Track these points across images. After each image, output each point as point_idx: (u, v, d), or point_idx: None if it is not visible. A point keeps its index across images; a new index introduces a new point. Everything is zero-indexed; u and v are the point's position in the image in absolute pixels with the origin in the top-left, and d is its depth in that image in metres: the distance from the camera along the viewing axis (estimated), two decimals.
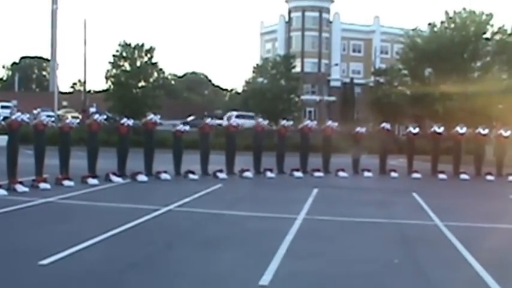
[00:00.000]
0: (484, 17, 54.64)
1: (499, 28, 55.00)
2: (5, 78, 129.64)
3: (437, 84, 53.11)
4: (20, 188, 21.19)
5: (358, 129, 32.82)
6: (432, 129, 32.89)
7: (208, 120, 29.96)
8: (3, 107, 63.98)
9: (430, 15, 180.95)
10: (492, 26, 55.05)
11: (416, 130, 33.23)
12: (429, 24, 59.62)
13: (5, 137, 23.34)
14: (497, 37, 55.00)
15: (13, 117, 23.56)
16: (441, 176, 30.49)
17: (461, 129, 32.09)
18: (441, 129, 32.69)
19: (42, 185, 22.16)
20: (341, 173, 30.20)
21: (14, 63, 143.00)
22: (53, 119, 28.07)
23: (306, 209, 18.31)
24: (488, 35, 55.06)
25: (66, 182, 23.14)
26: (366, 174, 30.65)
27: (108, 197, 20.86)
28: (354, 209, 19.22)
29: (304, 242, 13.54)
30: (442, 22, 57.12)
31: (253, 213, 17.66)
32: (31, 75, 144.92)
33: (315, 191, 23.02)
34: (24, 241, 12.98)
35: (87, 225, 15.04)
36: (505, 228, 16.31)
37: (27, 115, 24.24)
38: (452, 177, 30.50)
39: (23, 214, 17.00)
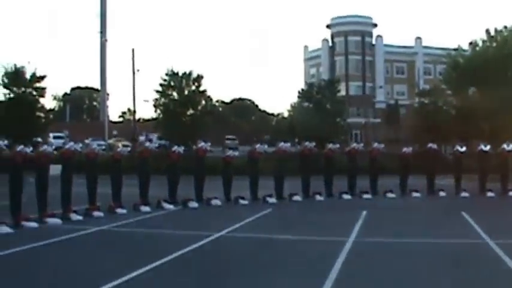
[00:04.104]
0: None
1: None
2: (56, 109, 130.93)
3: (482, 103, 52.58)
4: (74, 216, 21.32)
5: (404, 149, 32.58)
6: (479, 148, 32.46)
7: (257, 146, 29.98)
8: (55, 137, 64.43)
9: (472, 33, 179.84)
10: None
11: (464, 149, 32.87)
12: (470, 43, 59.22)
13: (59, 166, 23.49)
14: None
15: (66, 146, 23.74)
16: (489, 194, 30.08)
17: (508, 147, 31.64)
18: (488, 148, 32.28)
19: (96, 213, 22.29)
20: (389, 194, 29.95)
21: (65, 94, 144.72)
22: (104, 147, 28.11)
23: (355, 232, 18.10)
24: None
25: (118, 210, 23.24)
26: (414, 194, 30.29)
27: (160, 224, 20.87)
28: (404, 230, 18.91)
29: (355, 264, 13.34)
30: (483, 41, 56.66)
31: (304, 236, 17.50)
32: (82, 106, 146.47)
33: (364, 213, 22.77)
34: (80, 269, 12.98)
35: (141, 253, 15.05)
36: None
37: (80, 145, 24.39)
38: (500, 195, 30.00)
39: (77, 242, 17.05)
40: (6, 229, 18.31)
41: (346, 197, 29.31)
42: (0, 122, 57.63)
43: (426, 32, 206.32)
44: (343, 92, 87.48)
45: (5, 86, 62.65)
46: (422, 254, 14.88)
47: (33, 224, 19.59)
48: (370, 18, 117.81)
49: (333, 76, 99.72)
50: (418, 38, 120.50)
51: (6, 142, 20.24)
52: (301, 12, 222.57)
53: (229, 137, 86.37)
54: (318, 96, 70.17)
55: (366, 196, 29.49)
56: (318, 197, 28.89)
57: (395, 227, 19.77)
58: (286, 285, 11.57)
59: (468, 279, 12.10)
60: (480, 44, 56.90)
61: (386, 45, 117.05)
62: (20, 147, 20.97)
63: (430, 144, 33.01)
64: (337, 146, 32.59)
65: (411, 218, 22.66)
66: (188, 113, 64.26)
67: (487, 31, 55.83)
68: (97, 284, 11.08)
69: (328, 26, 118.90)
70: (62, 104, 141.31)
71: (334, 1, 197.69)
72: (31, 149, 21.76)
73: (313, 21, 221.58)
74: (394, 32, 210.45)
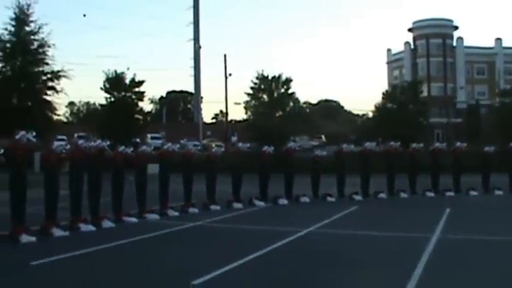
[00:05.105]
0: None
1: None
2: (154, 112, 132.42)
3: None
4: (171, 212, 21.60)
5: (486, 149, 32.04)
6: None
7: (344, 145, 29.94)
8: (153, 137, 65.30)
9: None
10: None
11: None
12: None
13: (156, 166, 23.78)
14: None
15: (165, 147, 24.03)
16: None
17: None
18: None
19: (191, 210, 22.51)
20: (472, 192, 29.45)
21: (162, 97, 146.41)
22: (199, 148, 28.35)
23: (440, 229, 17.78)
24: None
25: (212, 207, 23.43)
26: (497, 192, 29.75)
27: (252, 220, 20.95)
28: (488, 227, 18.40)
29: (441, 261, 13.03)
30: None
31: (389, 233, 17.30)
32: (177, 108, 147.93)
33: (448, 210, 22.42)
34: (177, 262, 13.11)
35: (234, 247, 15.14)
36: None
37: (177, 145, 24.64)
38: None
39: (174, 237, 17.25)
40: (108, 224, 18.65)
41: (430, 194, 29.02)
42: (103, 124, 58.77)
43: (506, 32, 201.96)
44: (425, 93, 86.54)
45: (107, 91, 63.80)
46: (508, 252, 14.51)
47: (134, 220, 19.93)
48: (451, 21, 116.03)
49: (415, 78, 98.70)
50: (498, 39, 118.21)
51: (108, 143, 20.56)
52: (384, 17, 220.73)
53: (316, 136, 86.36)
54: (401, 98, 69.60)
55: (448, 194, 29.15)
56: (402, 195, 28.69)
57: (479, 224, 19.34)
58: (371, 281, 11.42)
59: None
60: None
61: (466, 47, 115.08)
62: (121, 148, 21.33)
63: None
64: (421, 145, 32.22)
65: (495, 215, 22.21)
66: (277, 114, 64.43)
67: None
68: (192, 277, 11.12)
69: (410, 30, 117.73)
70: (158, 106, 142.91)
71: (415, 5, 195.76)
72: (131, 149, 22.11)
73: (396, 25, 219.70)
74: (474, 33, 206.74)
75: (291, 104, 68.00)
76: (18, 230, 15.66)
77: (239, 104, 73.74)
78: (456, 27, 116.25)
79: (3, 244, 14.87)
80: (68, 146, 19.24)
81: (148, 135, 65.79)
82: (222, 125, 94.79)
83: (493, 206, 25.81)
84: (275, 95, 65.57)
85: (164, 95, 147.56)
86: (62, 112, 77.81)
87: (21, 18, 53.61)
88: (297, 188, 27.17)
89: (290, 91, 66.55)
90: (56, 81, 54.66)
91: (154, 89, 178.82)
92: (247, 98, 69.02)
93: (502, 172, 31.34)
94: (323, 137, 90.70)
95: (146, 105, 77.57)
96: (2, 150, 16.13)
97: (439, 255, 13.65)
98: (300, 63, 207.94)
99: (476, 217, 21.63)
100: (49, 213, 17.19)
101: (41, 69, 54.44)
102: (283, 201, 25.85)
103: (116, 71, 64.11)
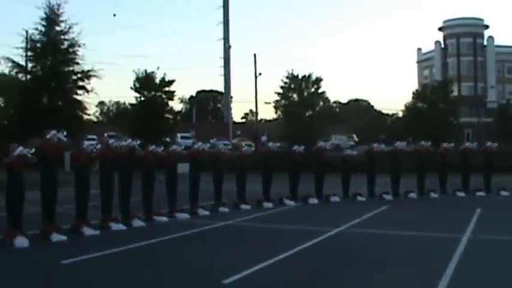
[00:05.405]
0: None
1: None
2: (183, 111, 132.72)
3: None
4: (201, 212, 21.59)
5: None
6: None
7: (374, 145, 29.85)
8: (182, 137, 65.40)
9: None
10: None
11: None
12: None
13: (186, 165, 23.78)
14: None
15: (195, 146, 24.00)
16: None
17: None
18: None
19: (221, 209, 22.50)
20: (503, 192, 29.12)
21: (192, 97, 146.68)
22: (229, 147, 28.32)
23: (470, 229, 17.59)
24: None
25: (243, 206, 23.39)
26: None
27: (282, 219, 20.85)
28: None
29: (472, 262, 12.90)
30: None
31: (420, 233, 17.12)
32: (207, 108, 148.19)
33: (478, 210, 22.20)
34: (208, 261, 13.10)
35: (264, 246, 15.08)
36: None
37: (208, 144, 24.63)
38: None
39: (205, 236, 17.20)
40: (139, 223, 18.67)
41: (460, 194, 28.77)
42: (133, 123, 59.03)
43: None
44: (455, 93, 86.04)
45: (137, 90, 64.12)
46: None
47: (164, 219, 19.94)
48: (482, 20, 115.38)
49: (445, 77, 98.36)
50: None
51: (139, 142, 20.58)
52: (414, 16, 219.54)
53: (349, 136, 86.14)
54: (431, 97, 69.26)
55: (479, 194, 28.85)
56: (433, 194, 28.46)
57: (510, 224, 19.08)
58: (401, 281, 11.31)
59: None
60: None
61: (497, 46, 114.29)
62: (151, 147, 21.35)
63: None
64: (452, 145, 31.98)
65: None
66: (307, 114, 64.36)
67: None
68: (222, 276, 11.12)
69: (440, 29, 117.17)
70: (188, 106, 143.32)
71: (446, 4, 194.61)
72: (162, 148, 22.12)
73: (426, 24, 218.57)
74: (505, 32, 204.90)
75: (321, 103, 68.02)
76: (49, 229, 15.73)
77: (269, 103, 73.89)
78: (487, 26, 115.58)
79: (35, 243, 14.93)
80: (99, 146, 19.30)
81: (178, 135, 65.85)
82: (251, 124, 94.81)
83: None
84: (305, 94, 65.53)
85: (194, 95, 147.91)
86: (92, 112, 78.41)
87: (52, 18, 53.99)
88: (327, 188, 27.05)
89: (320, 90, 66.53)
90: (86, 80, 55.06)
91: (184, 89, 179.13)
92: (277, 98, 69.12)
93: None
94: (354, 136, 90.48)
95: (176, 105, 77.86)
96: (34, 150, 16.11)
97: (470, 255, 13.50)
98: (330, 63, 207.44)
99: (507, 217, 21.32)
100: (80, 212, 17.26)
101: (71, 68, 54.84)
102: (314, 201, 25.77)
103: (146, 71, 64.48)
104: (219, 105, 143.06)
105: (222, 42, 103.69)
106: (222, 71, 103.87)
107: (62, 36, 54.35)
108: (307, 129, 59.24)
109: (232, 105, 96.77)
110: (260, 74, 77.69)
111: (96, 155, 18.72)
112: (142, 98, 64.13)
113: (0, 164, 15.67)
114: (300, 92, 65.18)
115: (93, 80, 55.12)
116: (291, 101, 65.45)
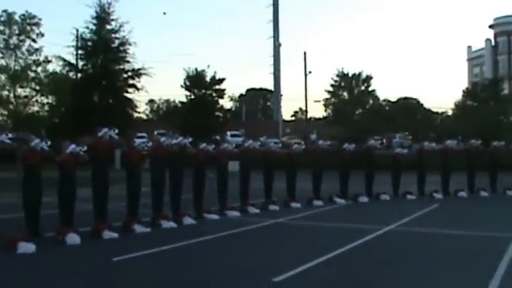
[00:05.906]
0: None
1: None
2: (233, 109, 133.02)
3: None
4: (251, 209, 21.58)
5: None
6: None
7: (425, 143, 29.65)
8: (232, 135, 65.51)
9: None
10: None
11: None
12: None
13: (236, 163, 23.79)
14: None
15: (246, 144, 23.99)
16: None
17: None
18: None
19: (272, 207, 22.49)
20: None
21: (241, 95, 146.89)
22: (279, 145, 28.25)
23: None
24: None
25: (293, 204, 23.33)
26: None
27: (332, 217, 20.76)
28: None
29: None
30: None
31: (470, 232, 16.90)
32: (256, 106, 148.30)
33: None
34: (258, 259, 13.06)
35: (315, 244, 15.02)
36: None
37: (259, 143, 24.61)
38: None
39: (255, 234, 17.21)
40: (189, 220, 18.69)
41: (510, 193, 28.35)
42: (183, 121, 59.28)
43: None
44: (506, 91, 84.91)
45: (187, 88, 64.41)
46: None
47: (215, 216, 19.95)
48: None
49: (496, 75, 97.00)
50: None
51: (190, 140, 20.62)
52: (464, 14, 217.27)
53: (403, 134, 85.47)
54: (481, 95, 68.46)
55: None
56: (483, 193, 28.22)
57: None
58: (451, 280, 11.13)
59: None
60: None
61: None
62: (202, 145, 21.38)
63: None
64: (502, 143, 31.57)
65: None
66: (356, 112, 64.11)
67: None
68: (276, 274, 11.08)
69: (491, 26, 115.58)
70: (238, 104, 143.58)
71: (497, 1, 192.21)
72: (213, 146, 22.15)
73: (476, 22, 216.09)
74: None
75: (371, 101, 67.75)
76: (101, 227, 15.82)
77: (319, 101, 73.75)
78: None
79: (87, 240, 15.02)
80: (150, 143, 19.37)
81: (228, 133, 66.00)
82: (301, 122, 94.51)
83: None
84: (355, 92, 65.30)
85: (244, 93, 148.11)
86: (142, 109, 78.96)
87: (103, 16, 54.68)
88: (377, 186, 26.98)
89: (370, 89, 66.24)
90: (136, 79, 55.66)
91: (233, 87, 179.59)
92: (327, 96, 68.97)
93: None
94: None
95: (226, 103, 78.08)
96: (85, 148, 16.23)
97: None
98: (380, 61, 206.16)
99: None
100: (131, 210, 17.35)
101: (121, 67, 55.50)
102: (364, 199, 25.66)
103: (196, 69, 64.73)
104: (268, 103, 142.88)
105: (272, 40, 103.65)
106: (271, 69, 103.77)
107: (113, 35, 55.04)
108: (357, 128, 59.01)
109: (282, 103, 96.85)
110: (310, 72, 77.60)
111: (148, 152, 18.81)
112: (193, 96, 64.41)
113: (52, 162, 15.82)
114: (350, 90, 65.04)
115: (143, 78, 55.66)
116: (341, 99, 65.33)
